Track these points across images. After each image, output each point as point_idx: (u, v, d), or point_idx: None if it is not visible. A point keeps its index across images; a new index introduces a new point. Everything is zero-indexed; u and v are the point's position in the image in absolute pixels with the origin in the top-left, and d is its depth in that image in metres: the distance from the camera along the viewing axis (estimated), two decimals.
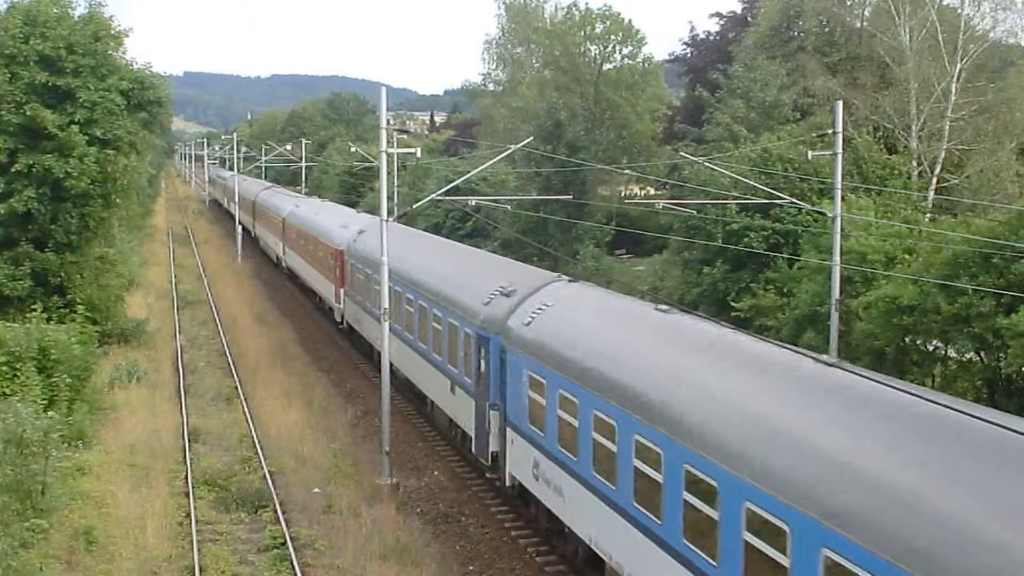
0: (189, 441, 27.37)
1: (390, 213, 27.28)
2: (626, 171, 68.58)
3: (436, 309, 27.00)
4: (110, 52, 36.14)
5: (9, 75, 34.46)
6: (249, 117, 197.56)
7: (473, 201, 40.53)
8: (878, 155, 39.26)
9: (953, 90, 40.81)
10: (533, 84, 79.97)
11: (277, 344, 41.67)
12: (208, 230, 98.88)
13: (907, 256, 26.70)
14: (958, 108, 40.87)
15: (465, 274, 27.46)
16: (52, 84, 34.54)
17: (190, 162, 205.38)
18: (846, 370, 13.43)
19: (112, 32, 36.35)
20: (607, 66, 77.81)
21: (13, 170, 34.34)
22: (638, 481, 15.36)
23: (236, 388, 33.79)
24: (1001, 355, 22.80)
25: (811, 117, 45.13)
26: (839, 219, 27.39)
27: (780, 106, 47.97)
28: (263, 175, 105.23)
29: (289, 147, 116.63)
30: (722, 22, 67.40)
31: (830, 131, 27.91)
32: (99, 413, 28.93)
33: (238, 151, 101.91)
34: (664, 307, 18.66)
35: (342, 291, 40.88)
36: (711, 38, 67.85)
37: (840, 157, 27.53)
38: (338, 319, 42.55)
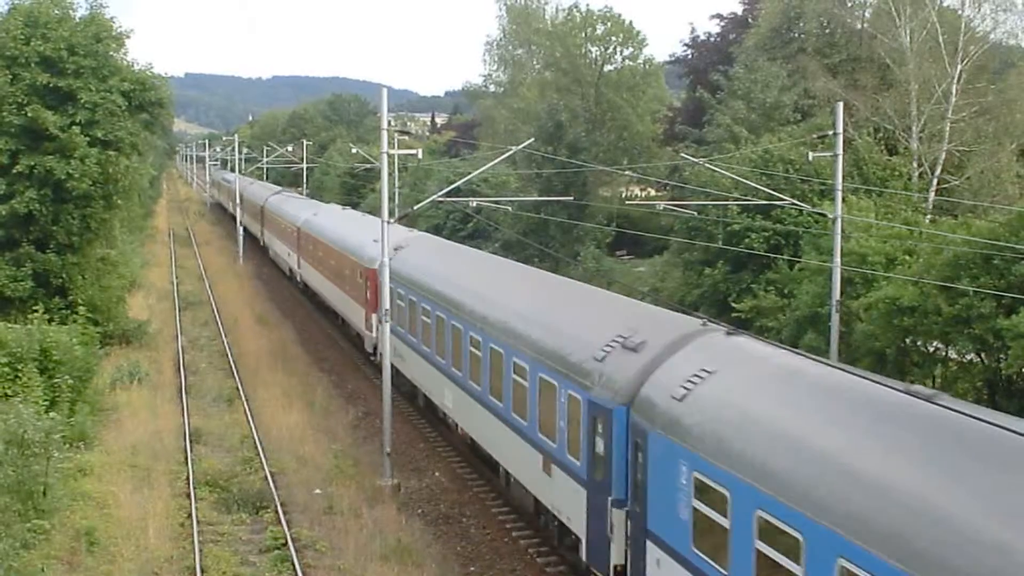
0: (190, 442, 27.40)
1: (391, 214, 27.29)
2: (627, 172, 68.52)
3: (519, 357, 20.73)
4: (111, 53, 36.22)
5: (10, 76, 34.51)
6: (250, 118, 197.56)
7: (474, 202, 40.55)
8: (879, 156, 39.26)
9: (954, 91, 40.81)
10: (534, 85, 79.96)
11: (278, 345, 41.70)
12: (209, 231, 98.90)
13: (908, 257, 26.70)
14: (958, 109, 40.88)
15: (559, 312, 21.05)
16: (53, 85, 34.59)
17: (191, 163, 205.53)
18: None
19: (113, 33, 36.42)
20: (608, 67, 77.81)
21: (15, 171, 34.41)
22: None
23: (237, 389, 33.82)
24: (1001, 356, 22.79)
25: (812, 118, 45.14)
26: (840, 220, 27.39)
27: (781, 107, 47.98)
28: (264, 176, 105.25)
29: (290, 148, 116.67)
30: (723, 23, 67.44)
31: (831, 132, 27.91)
32: (100, 414, 28.97)
33: (239, 152, 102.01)
34: (921, 390, 12.41)
35: (374, 317, 34.92)
36: (712, 39, 67.86)
37: (841, 158, 27.53)
38: (369, 349, 36.48)
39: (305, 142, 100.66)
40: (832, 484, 11.24)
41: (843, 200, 28.92)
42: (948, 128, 40.76)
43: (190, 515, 21.92)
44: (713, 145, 47.24)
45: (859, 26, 51.95)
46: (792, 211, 35.12)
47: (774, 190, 32.96)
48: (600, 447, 16.75)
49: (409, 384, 31.40)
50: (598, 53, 78.03)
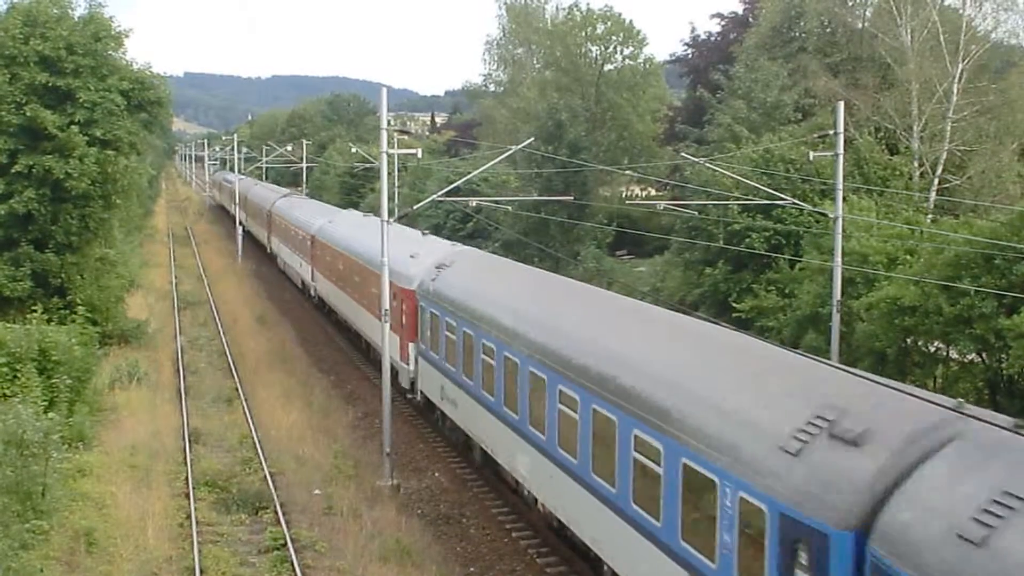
0: (189, 442, 27.34)
1: (391, 214, 27.23)
2: (627, 172, 68.55)
3: (644, 431, 15.13)
4: (110, 52, 36.16)
5: (9, 76, 34.46)
6: (249, 118, 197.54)
7: (474, 202, 40.53)
8: (879, 156, 39.22)
9: (955, 91, 40.78)
10: (534, 85, 79.90)
11: (277, 345, 41.65)
12: (208, 231, 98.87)
13: (909, 257, 26.66)
14: (959, 109, 40.85)
15: (705, 369, 15.21)
16: (52, 85, 34.54)
17: (191, 163, 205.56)
18: None
19: (112, 32, 36.35)
20: (608, 67, 77.78)
21: (13, 171, 34.36)
22: None
23: (237, 389, 33.76)
24: (1003, 356, 22.75)
25: (812, 118, 45.12)
26: (840, 220, 27.35)
27: (781, 107, 47.94)
28: (263, 176, 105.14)
29: (290, 148, 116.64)
30: (723, 23, 67.43)
31: (831, 132, 27.87)
32: (99, 414, 28.90)
33: (239, 152, 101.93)
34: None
35: (412, 347, 29.99)
36: (712, 39, 67.85)
37: (841, 158, 27.49)
38: (405, 384, 30.93)
39: (304, 142, 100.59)
40: None
41: (844, 200, 28.87)
42: (949, 128, 40.74)
43: (189, 515, 21.86)
44: (714, 145, 47.19)
45: (860, 25, 51.90)
46: (793, 211, 35.08)
47: (775, 190, 32.92)
48: None
49: (459, 431, 26.19)
50: (598, 52, 78.01)
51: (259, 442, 27.47)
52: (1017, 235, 22.58)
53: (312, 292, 51.02)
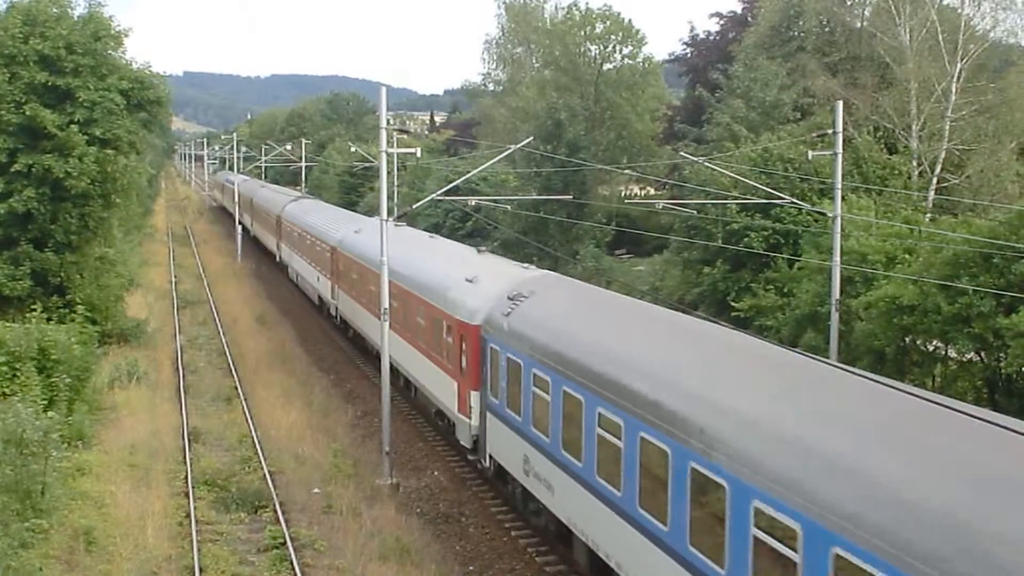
0: (189, 441, 27.36)
1: (390, 213, 27.24)
2: (626, 171, 68.60)
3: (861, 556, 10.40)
4: (110, 52, 36.15)
5: (9, 75, 34.46)
6: (249, 117, 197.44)
7: (473, 201, 40.50)
8: (878, 155, 39.25)
9: (953, 90, 40.81)
10: (533, 84, 79.91)
11: (277, 344, 41.66)
12: (208, 230, 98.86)
13: (907, 256, 26.68)
14: (958, 108, 40.87)
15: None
16: (52, 84, 34.54)
17: (190, 162, 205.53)
18: None
19: (112, 32, 36.35)
20: (607, 66, 77.80)
21: (13, 170, 34.36)
22: None
23: (236, 388, 33.77)
24: (1001, 355, 22.78)
25: (811, 117, 45.13)
26: (839, 219, 27.38)
27: (780, 106, 47.97)
28: (263, 176, 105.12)
29: (289, 147, 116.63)
30: (722, 22, 67.45)
31: (830, 131, 27.91)
32: (99, 413, 28.92)
33: (238, 151, 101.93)
34: None
35: (475, 397, 23.41)
36: (711, 38, 67.88)
37: (840, 157, 27.52)
38: (465, 442, 24.46)
39: (304, 141, 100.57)
40: None
41: (843, 199, 28.90)
42: (948, 127, 40.76)
43: (188, 514, 21.88)
44: (712, 144, 47.20)
45: (859, 24, 51.92)
46: (792, 210, 35.11)
47: (774, 189, 32.95)
48: None
49: (555, 519, 19.52)
50: (597, 52, 78.03)
51: (258, 441, 27.49)
52: (1015, 234, 22.60)
53: (333, 311, 44.40)
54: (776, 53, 52.32)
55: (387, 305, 26.23)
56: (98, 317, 36.31)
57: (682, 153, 43.41)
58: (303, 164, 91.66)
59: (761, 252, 35.22)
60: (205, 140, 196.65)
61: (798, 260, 32.58)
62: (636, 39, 77.45)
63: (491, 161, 41.36)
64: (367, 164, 70.10)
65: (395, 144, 30.06)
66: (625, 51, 77.85)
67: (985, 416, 11.00)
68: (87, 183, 34.70)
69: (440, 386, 26.46)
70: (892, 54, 44.13)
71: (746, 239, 36.65)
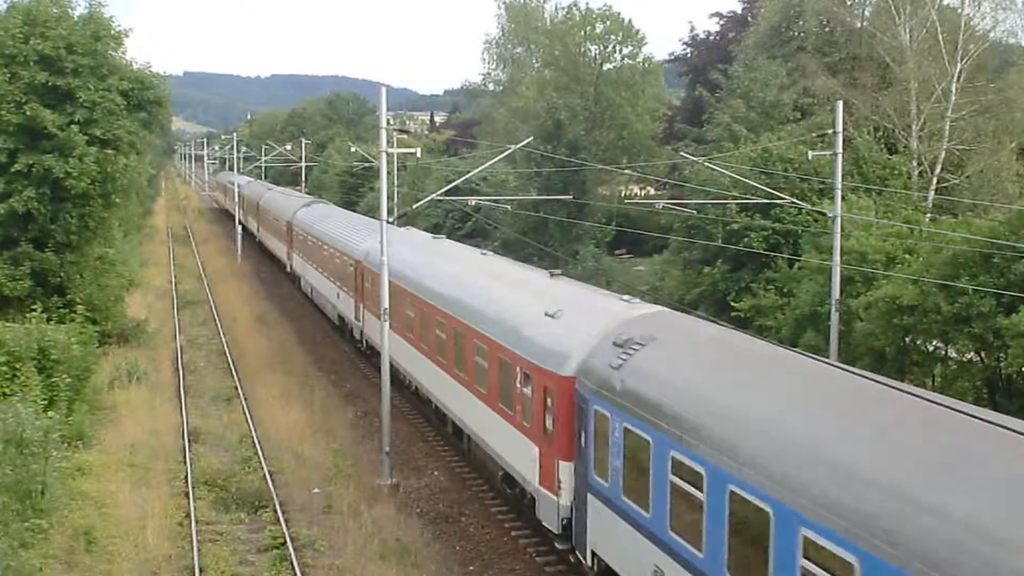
0: (189, 441, 27.37)
1: (390, 213, 27.23)
2: (626, 171, 68.57)
3: None
4: (110, 52, 36.13)
5: (9, 75, 34.43)
6: (249, 117, 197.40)
7: (473, 201, 40.47)
8: (878, 155, 39.26)
9: (953, 90, 40.83)
10: (533, 84, 79.90)
11: (277, 344, 41.66)
12: (208, 230, 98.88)
13: (907, 256, 26.69)
14: (958, 108, 40.89)
15: None
16: (52, 84, 34.52)
17: (190, 162, 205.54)
18: None
19: (112, 32, 36.33)
20: (607, 66, 77.78)
21: (13, 170, 34.32)
22: None
23: (236, 388, 33.78)
24: (1001, 355, 22.78)
25: (811, 117, 45.17)
26: (839, 219, 27.38)
27: (780, 106, 47.99)
28: (263, 175, 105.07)
29: (289, 147, 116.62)
30: (722, 22, 67.53)
31: (830, 131, 27.90)
32: (99, 413, 28.91)
33: (238, 151, 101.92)
34: None
35: (566, 469, 18.34)
36: (711, 38, 67.94)
37: (840, 157, 27.52)
38: (552, 527, 19.09)
39: (304, 141, 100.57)
40: None
41: (843, 199, 28.90)
42: (948, 127, 40.79)
43: (188, 514, 21.88)
44: (712, 144, 47.22)
45: (859, 24, 51.95)
46: (791, 210, 35.12)
47: (774, 189, 32.95)
48: None
49: None
50: (597, 52, 78.00)
51: (258, 441, 27.50)
52: (1015, 234, 22.61)
53: (357, 334, 38.69)
54: (776, 53, 52.35)
55: (386, 305, 26.20)
56: (98, 317, 36.29)
57: (682, 153, 43.42)
58: (303, 164, 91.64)
59: (761, 252, 35.23)
60: (205, 140, 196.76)
61: (798, 260, 32.58)
62: (636, 39, 77.42)
63: (491, 161, 41.33)
64: (367, 164, 70.09)
65: (395, 144, 29.97)
66: (625, 51, 77.84)
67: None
68: (87, 183, 34.69)
69: (511, 447, 21.00)
70: (892, 54, 44.15)
71: (746, 239, 36.66)
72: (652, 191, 74.35)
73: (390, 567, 19.46)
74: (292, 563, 19.44)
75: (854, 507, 10.74)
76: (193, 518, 21.59)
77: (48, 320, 30.60)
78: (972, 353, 23.84)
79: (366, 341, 36.92)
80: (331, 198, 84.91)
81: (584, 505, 17.60)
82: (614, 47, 77.69)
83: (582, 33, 77.80)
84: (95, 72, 35.32)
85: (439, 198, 37.57)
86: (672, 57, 74.24)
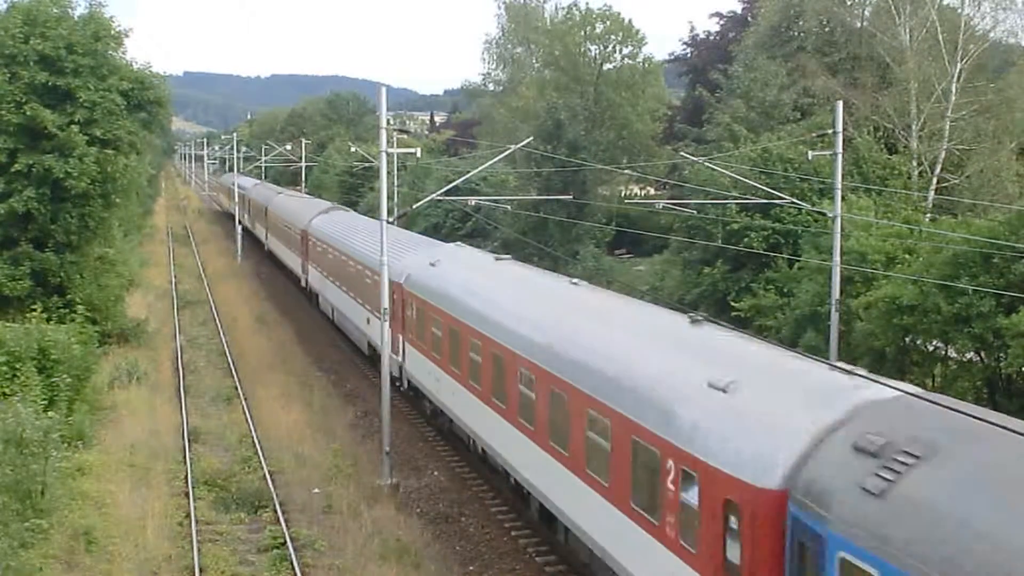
0: (189, 441, 27.37)
1: (390, 213, 27.22)
2: (626, 171, 68.55)
3: None
4: (110, 52, 36.14)
5: (9, 75, 34.44)
6: (249, 117, 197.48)
7: (473, 201, 40.46)
8: (878, 155, 39.27)
9: (953, 90, 40.81)
10: (533, 84, 79.88)
11: (277, 344, 41.66)
12: (208, 230, 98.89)
13: (907, 256, 26.69)
14: (958, 108, 40.87)
15: None
16: (52, 84, 34.52)
17: (190, 162, 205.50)
18: None
19: (112, 32, 36.34)
20: (607, 66, 77.75)
21: (13, 170, 34.34)
22: None
23: (236, 388, 33.79)
24: (1001, 355, 22.78)
25: (811, 117, 45.12)
26: (839, 219, 27.38)
27: (780, 106, 47.96)
28: (263, 175, 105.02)
29: (289, 147, 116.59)
30: (722, 22, 67.54)
31: (830, 131, 27.90)
32: (99, 413, 28.93)
33: (238, 151, 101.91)
34: None
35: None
36: (711, 38, 67.95)
37: (840, 157, 27.52)
38: None
39: (304, 141, 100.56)
40: None
41: (843, 199, 28.90)
42: (948, 127, 40.76)
43: (188, 514, 21.89)
44: (712, 144, 47.20)
45: (859, 24, 51.90)
46: (791, 210, 35.12)
47: (774, 189, 32.95)
48: None
49: None
50: (597, 52, 77.98)
51: (258, 441, 27.51)
52: (1015, 234, 22.60)
53: (397, 371, 30.75)
54: (776, 53, 52.31)
55: (386, 305, 26.21)
56: (98, 317, 36.30)
57: (682, 153, 43.40)
58: (303, 164, 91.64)
59: (761, 252, 35.22)
60: (205, 140, 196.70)
61: (798, 260, 32.59)
62: (636, 39, 77.40)
63: (491, 161, 41.34)
64: (367, 164, 70.09)
65: (395, 144, 29.95)
66: (625, 51, 77.80)
67: None
68: (87, 183, 34.69)
69: (655, 568, 14.75)
70: (892, 54, 44.14)
71: (746, 239, 36.66)
72: (652, 191, 74.34)
73: (390, 567, 19.46)
74: (292, 563, 19.45)
75: None
76: (193, 518, 21.60)
77: (48, 320, 30.62)
78: (972, 353, 23.83)
79: (408, 381, 30.84)
80: (331, 198, 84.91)
81: None
82: (614, 47, 77.70)
83: (582, 33, 77.77)
84: (95, 72, 35.32)
85: (439, 198, 37.58)
86: (672, 57, 74.27)
